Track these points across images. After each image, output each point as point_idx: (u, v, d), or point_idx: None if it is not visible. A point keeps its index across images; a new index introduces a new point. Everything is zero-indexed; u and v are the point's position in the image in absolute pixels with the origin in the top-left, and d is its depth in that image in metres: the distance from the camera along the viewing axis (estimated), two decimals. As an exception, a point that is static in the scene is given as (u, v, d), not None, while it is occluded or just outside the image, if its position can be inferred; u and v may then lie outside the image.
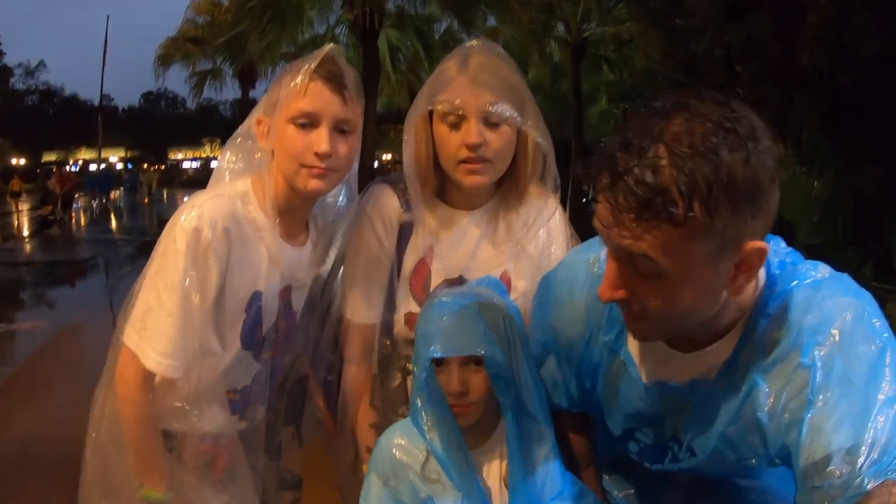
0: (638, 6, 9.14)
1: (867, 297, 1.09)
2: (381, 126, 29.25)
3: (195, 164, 63.27)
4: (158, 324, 1.41)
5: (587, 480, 1.54)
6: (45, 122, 61.96)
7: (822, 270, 1.13)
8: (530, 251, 1.69)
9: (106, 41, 28.56)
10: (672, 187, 0.91)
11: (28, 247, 15.93)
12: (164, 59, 23.15)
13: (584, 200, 19.47)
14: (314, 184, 1.48)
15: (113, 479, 1.52)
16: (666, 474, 1.37)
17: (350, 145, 1.51)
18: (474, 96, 1.49)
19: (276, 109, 1.47)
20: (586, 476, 1.54)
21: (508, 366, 1.32)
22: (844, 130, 5.10)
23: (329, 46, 1.52)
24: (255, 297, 1.52)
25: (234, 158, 1.62)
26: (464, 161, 1.53)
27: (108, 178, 29.70)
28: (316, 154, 1.44)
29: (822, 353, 1.02)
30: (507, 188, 1.62)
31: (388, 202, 1.66)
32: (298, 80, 1.44)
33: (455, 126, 1.51)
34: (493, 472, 1.41)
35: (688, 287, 0.99)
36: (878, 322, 1.05)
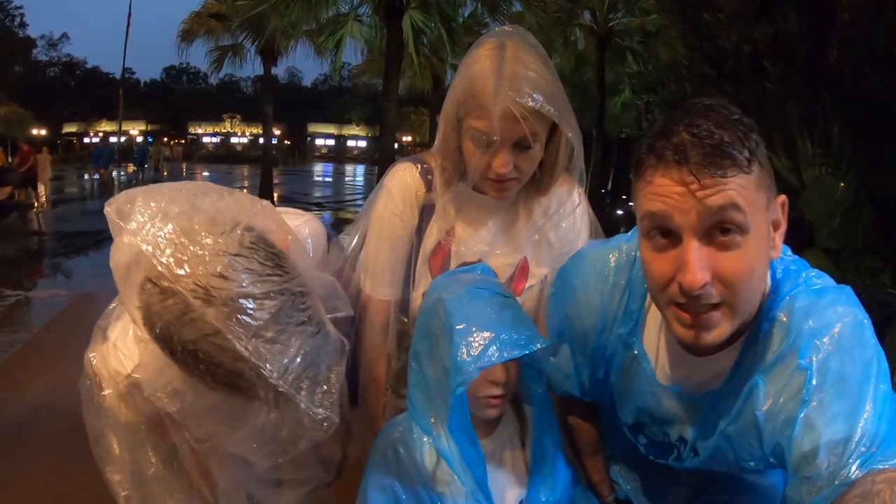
0: (666, -2, 9.06)
1: (864, 312, 1.11)
2: (402, 108, 29.24)
3: (215, 140, 63.62)
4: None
5: (595, 468, 1.54)
6: (66, 94, 62.34)
7: (826, 280, 1.16)
8: (551, 239, 1.69)
9: (129, 14, 28.51)
10: (734, 140, 0.98)
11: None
12: (187, 35, 23.11)
13: (602, 191, 19.46)
14: None
15: None
16: (673, 468, 1.38)
17: None
18: (508, 126, 1.43)
19: None
20: (594, 463, 1.55)
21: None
22: (870, 133, 5.03)
23: None
24: None
25: None
26: (490, 178, 1.52)
27: (110, 151, 28.61)
28: None
29: (819, 357, 1.04)
30: (533, 179, 1.60)
31: (410, 182, 1.67)
32: None
33: (485, 147, 1.48)
34: (506, 459, 1.41)
35: (757, 243, 1.02)
36: (871, 336, 1.08)
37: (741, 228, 0.99)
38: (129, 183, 27.06)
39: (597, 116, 17.65)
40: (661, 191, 1.01)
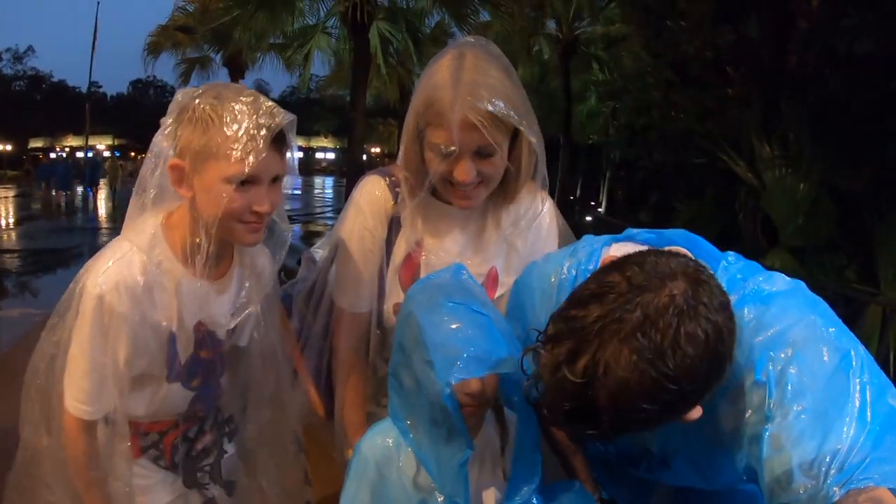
0: (630, 7, 9.17)
1: (821, 306, 1.09)
2: (371, 120, 29.17)
3: (182, 154, 62.62)
4: (75, 374, 1.47)
5: (578, 468, 1.54)
6: (32, 109, 61.16)
7: (775, 283, 1.12)
8: (519, 247, 1.71)
9: (96, 27, 28.16)
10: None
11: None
12: (154, 48, 22.87)
13: (570, 198, 19.56)
14: (253, 238, 1.49)
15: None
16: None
17: (280, 190, 1.50)
18: (467, 136, 1.45)
19: (201, 161, 1.40)
20: (576, 463, 1.55)
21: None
22: (831, 133, 5.13)
23: (280, 115, 1.42)
24: (171, 337, 1.53)
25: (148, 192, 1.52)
26: (453, 187, 1.54)
27: (67, 168, 24.36)
28: (255, 212, 1.44)
29: (775, 369, 1.01)
30: (500, 188, 1.61)
31: (379, 195, 1.68)
32: (246, 147, 1.37)
33: (447, 157, 1.49)
34: (486, 466, 1.42)
35: None
36: (834, 329, 1.04)
37: None
38: (83, 203, 23.96)
39: (564, 124, 17.76)
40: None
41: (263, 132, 1.38)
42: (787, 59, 5.78)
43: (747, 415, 1.04)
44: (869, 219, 4.73)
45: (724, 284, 1.11)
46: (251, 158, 1.37)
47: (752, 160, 5.29)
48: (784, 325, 1.04)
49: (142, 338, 1.48)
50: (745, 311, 1.07)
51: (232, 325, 1.62)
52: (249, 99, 1.41)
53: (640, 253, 1.04)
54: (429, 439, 1.34)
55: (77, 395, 1.47)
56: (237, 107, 1.39)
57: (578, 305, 0.99)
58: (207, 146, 1.38)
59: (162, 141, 1.46)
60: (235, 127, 1.37)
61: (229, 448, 1.76)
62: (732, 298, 1.08)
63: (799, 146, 5.10)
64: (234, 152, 1.36)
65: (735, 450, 1.08)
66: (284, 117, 1.43)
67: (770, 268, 1.17)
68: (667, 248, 1.11)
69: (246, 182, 1.40)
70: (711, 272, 1.02)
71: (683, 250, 1.13)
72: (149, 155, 1.49)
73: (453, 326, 1.28)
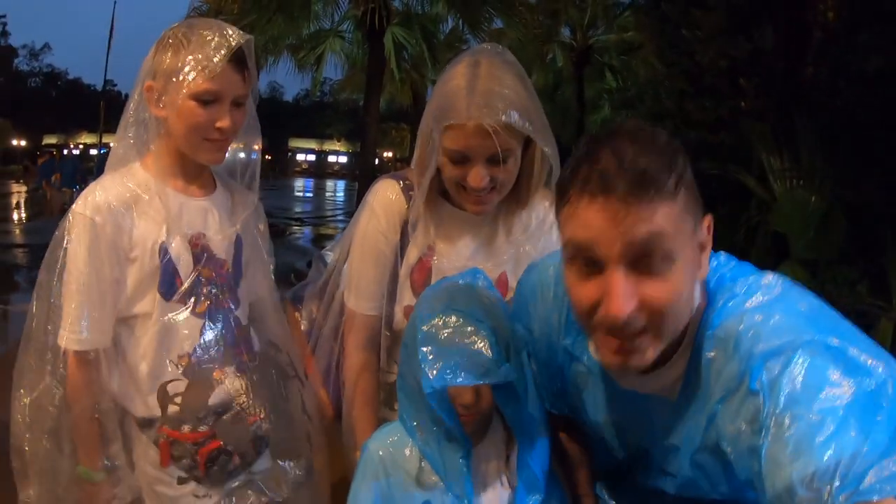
0: (645, 16, 9.18)
1: (820, 317, 1.04)
2: (383, 124, 29.24)
3: (195, 154, 62.84)
4: (65, 304, 1.53)
5: (580, 482, 1.54)
6: (47, 105, 61.56)
7: (768, 290, 1.08)
8: (531, 254, 1.71)
9: (112, 26, 28.16)
10: (660, 166, 0.97)
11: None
12: (169, 48, 22.96)
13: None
14: (216, 156, 1.64)
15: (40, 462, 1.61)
16: (658, 490, 1.37)
17: (243, 114, 1.64)
18: (481, 142, 1.47)
19: (170, 80, 1.53)
20: (578, 476, 1.54)
21: (519, 378, 1.33)
22: (844, 146, 5.11)
23: (238, 35, 1.57)
24: (163, 249, 1.60)
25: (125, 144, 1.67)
26: (467, 193, 1.55)
27: (73, 165, 22.27)
28: (218, 129, 1.56)
29: (769, 378, 0.97)
30: (512, 193, 1.63)
31: (393, 199, 1.70)
32: (208, 62, 1.52)
33: (460, 163, 1.51)
34: (492, 471, 1.42)
35: (685, 269, 1.00)
36: (835, 339, 0.98)
37: (668, 257, 0.97)
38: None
39: (576, 132, 17.76)
40: (586, 219, 0.98)
41: (223, 51, 1.53)
42: (802, 70, 5.76)
43: (745, 426, 1.01)
44: (882, 233, 4.70)
45: (713, 282, 1.11)
46: (209, 73, 1.52)
47: (763, 172, 5.27)
48: (782, 337, 1.00)
49: (126, 253, 1.57)
50: (746, 320, 1.04)
51: (229, 236, 1.71)
52: (215, 26, 1.58)
53: None
54: (434, 439, 1.35)
55: (68, 325, 1.52)
56: (204, 32, 1.55)
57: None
58: (176, 66, 1.53)
59: (143, 69, 1.61)
60: (200, 48, 1.53)
61: (261, 463, 1.75)
62: (721, 299, 1.08)
63: (811, 158, 5.07)
64: (196, 68, 1.52)
65: (734, 461, 1.05)
66: (242, 37, 1.58)
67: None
68: None
69: (209, 101, 1.54)
70: None
71: None
72: (135, 86, 1.63)
73: (446, 333, 1.30)
